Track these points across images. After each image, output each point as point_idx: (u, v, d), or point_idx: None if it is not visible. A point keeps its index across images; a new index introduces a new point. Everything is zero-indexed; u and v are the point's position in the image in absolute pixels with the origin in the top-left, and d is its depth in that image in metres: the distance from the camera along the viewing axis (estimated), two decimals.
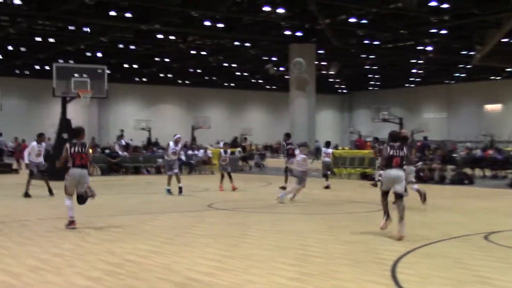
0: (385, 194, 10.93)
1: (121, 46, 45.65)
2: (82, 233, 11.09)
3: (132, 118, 61.20)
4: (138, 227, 11.94)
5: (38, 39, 42.06)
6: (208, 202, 16.68)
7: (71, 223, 11.55)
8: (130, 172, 30.33)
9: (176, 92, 67.77)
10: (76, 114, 53.88)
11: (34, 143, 18.40)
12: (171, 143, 19.60)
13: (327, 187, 21.64)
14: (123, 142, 35.44)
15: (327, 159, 22.69)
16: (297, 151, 17.91)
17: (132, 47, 46.23)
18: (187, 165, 31.17)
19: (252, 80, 66.43)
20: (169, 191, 18.83)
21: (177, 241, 10.25)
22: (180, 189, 18.98)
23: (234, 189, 20.48)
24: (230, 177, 20.70)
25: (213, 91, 69.47)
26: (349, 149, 45.07)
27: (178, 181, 19.17)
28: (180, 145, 20.15)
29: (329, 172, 22.69)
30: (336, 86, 72.37)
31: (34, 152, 18.29)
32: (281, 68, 49.23)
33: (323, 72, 49.19)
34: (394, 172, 10.66)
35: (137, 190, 21.40)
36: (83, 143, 11.71)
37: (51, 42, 43.16)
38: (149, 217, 13.44)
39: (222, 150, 21.41)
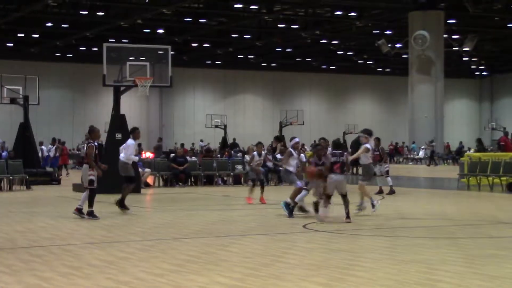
0: None
1: (188, 19, 46.38)
2: (142, 261, 11.30)
3: (203, 113, 62.13)
4: (214, 253, 12.05)
5: (84, 12, 43.29)
6: (303, 221, 16.67)
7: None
8: (201, 182, 30.70)
9: (258, 78, 68.29)
10: (132, 107, 55.35)
11: (133, 142, 19.13)
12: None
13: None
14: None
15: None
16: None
17: (203, 20, 46.89)
18: (274, 173, 31.24)
19: (359, 61, 66.09)
20: (287, 206, 17.95)
21: (264, 273, 10.26)
22: None
23: (263, 202, 21.12)
24: (262, 186, 21.41)
25: (307, 77, 69.60)
26: (490, 151, 44.04)
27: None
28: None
29: None
30: (473, 67, 70.95)
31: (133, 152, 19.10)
32: (397, 45, 48.69)
33: (454, 48, 48.29)
34: None
35: (211, 205, 21.62)
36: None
37: (100, 16, 44.36)
38: (227, 241, 13.55)
39: (255, 152, 21.80)
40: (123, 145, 19.30)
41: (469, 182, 28.12)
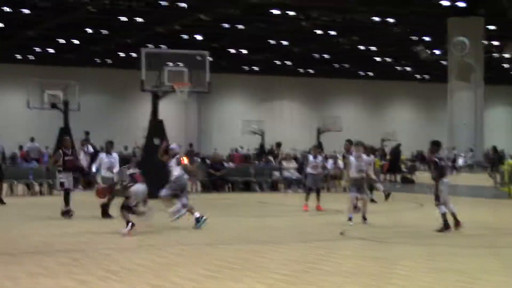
0: None
1: (226, 25, 46.55)
2: (177, 266, 11.34)
3: (240, 119, 62.19)
4: (251, 260, 12.06)
5: (123, 18, 43.64)
6: (339, 228, 16.61)
7: None
8: (238, 189, 30.75)
9: (296, 85, 68.25)
10: (170, 113, 55.53)
11: (103, 155, 19.50)
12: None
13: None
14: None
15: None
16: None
17: (240, 27, 47.02)
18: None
19: (397, 68, 65.73)
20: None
21: (300, 279, 10.26)
22: None
23: (319, 209, 20.82)
24: (318, 193, 21.10)
25: (344, 83, 69.41)
26: None
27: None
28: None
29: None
30: None
31: (103, 165, 19.17)
32: (436, 51, 48.36)
33: (494, 54, 47.88)
34: None
35: (248, 211, 21.65)
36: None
37: (139, 23, 44.69)
38: (264, 248, 13.56)
39: (311, 155, 21.53)
40: (110, 161, 19.20)
41: (510, 190, 27.69)
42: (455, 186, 21.87)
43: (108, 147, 19.80)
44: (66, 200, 18.90)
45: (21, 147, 39.69)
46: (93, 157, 28.26)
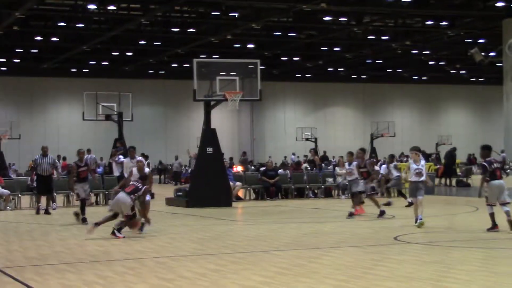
0: None
1: (277, 33, 46.65)
2: (233, 273, 11.38)
3: (294, 126, 62.21)
4: (304, 266, 12.06)
5: (175, 29, 44.06)
6: (394, 233, 16.51)
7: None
8: (292, 196, 30.76)
9: (349, 91, 68.06)
10: (223, 122, 55.90)
11: (127, 159, 20.88)
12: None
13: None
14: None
15: None
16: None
17: (292, 34, 47.09)
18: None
19: (451, 71, 65.11)
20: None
21: (355, 285, 10.22)
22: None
23: (356, 213, 21.07)
24: (352, 197, 21.36)
25: (397, 88, 69.00)
26: None
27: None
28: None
29: None
30: None
31: (127, 169, 20.29)
32: (491, 53, 47.77)
33: None
34: None
35: (301, 217, 21.64)
36: None
37: (191, 33, 45.05)
38: (318, 253, 13.54)
39: (346, 162, 21.89)
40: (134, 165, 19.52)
41: None
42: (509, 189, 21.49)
43: (132, 152, 21.35)
44: (82, 209, 20.00)
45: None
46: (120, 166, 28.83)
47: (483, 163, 16.88)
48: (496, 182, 16.38)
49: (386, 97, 68.79)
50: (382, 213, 20.49)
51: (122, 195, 16.19)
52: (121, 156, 31.12)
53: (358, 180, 21.00)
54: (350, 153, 21.89)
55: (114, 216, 16.39)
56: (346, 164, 21.92)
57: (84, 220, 19.66)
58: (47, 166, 23.74)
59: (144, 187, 16.48)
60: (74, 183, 20.52)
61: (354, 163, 21.32)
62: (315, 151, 38.70)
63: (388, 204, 23.93)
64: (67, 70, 58.62)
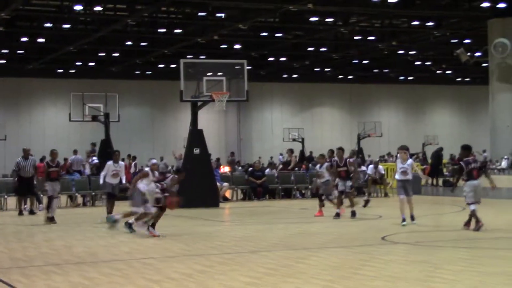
0: None
1: (264, 34, 46.63)
2: (220, 274, 11.37)
3: (281, 127, 62.19)
4: (292, 266, 12.06)
5: (162, 30, 43.98)
6: (381, 233, 16.55)
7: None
8: (280, 196, 30.77)
9: (336, 91, 68.09)
10: (210, 122, 55.81)
11: (110, 162, 21.25)
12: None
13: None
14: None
15: None
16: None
17: (279, 34, 47.07)
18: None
19: (437, 72, 65.25)
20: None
21: (341, 285, 10.23)
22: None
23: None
24: (320, 200, 21.80)
25: (384, 88, 69.10)
26: None
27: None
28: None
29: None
30: None
31: (109, 172, 21.06)
32: (476, 54, 47.89)
33: None
34: None
35: (289, 218, 21.65)
36: None
37: (178, 34, 44.96)
38: (305, 253, 13.54)
39: (318, 164, 22.52)
40: (116, 169, 21.26)
41: None
42: (498, 188, 21.59)
43: (116, 156, 21.77)
44: (49, 206, 20.76)
45: (65, 160, 40.13)
46: (98, 168, 29.54)
47: (461, 163, 17.37)
48: (472, 182, 16.94)
49: (373, 97, 68.86)
50: (353, 214, 20.63)
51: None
52: (94, 158, 31.95)
53: (329, 182, 21.26)
54: (322, 156, 22.32)
55: (162, 209, 16.61)
56: (317, 166, 22.21)
57: (51, 219, 20.42)
58: (29, 168, 24.02)
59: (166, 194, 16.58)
60: (45, 182, 21.31)
61: (325, 164, 21.48)
62: (291, 151, 38.53)
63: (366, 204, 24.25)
64: (53, 71, 58.31)
